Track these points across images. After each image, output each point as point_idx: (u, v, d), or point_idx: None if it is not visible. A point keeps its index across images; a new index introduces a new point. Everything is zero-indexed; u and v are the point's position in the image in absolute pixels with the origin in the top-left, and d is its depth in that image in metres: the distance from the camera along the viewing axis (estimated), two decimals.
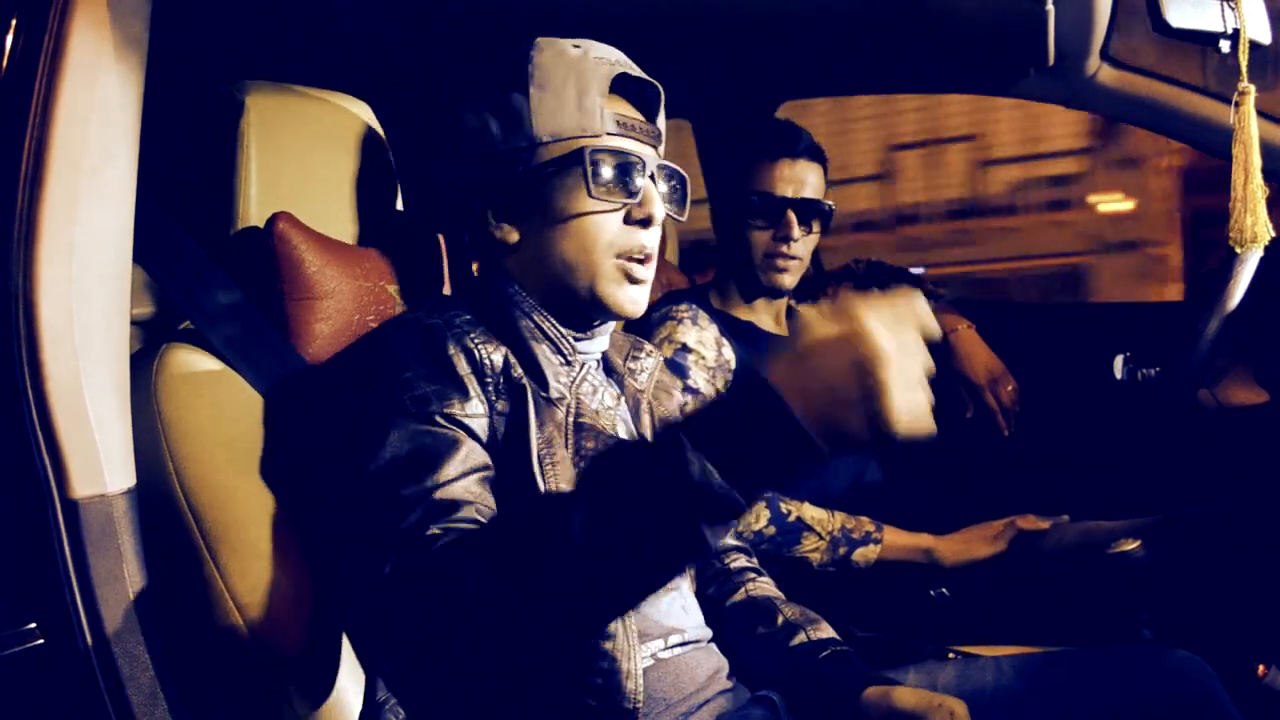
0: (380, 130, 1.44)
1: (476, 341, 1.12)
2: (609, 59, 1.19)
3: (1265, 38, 1.47)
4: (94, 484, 0.96)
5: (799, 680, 1.26)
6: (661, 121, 1.26)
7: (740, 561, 1.42)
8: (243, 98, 1.26)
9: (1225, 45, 1.44)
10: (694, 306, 1.91)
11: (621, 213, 1.19)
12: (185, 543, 1.11)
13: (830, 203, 1.95)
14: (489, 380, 1.12)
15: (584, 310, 1.22)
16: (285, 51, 1.82)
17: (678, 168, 1.27)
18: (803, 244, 1.92)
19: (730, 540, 1.42)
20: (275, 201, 1.26)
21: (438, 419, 1.07)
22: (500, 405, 1.12)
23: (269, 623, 1.11)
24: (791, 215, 1.90)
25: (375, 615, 1.06)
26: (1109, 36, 1.82)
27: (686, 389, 1.79)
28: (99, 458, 0.96)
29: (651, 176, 1.20)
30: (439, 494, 1.02)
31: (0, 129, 0.98)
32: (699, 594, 1.35)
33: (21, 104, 0.97)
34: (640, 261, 1.20)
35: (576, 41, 1.20)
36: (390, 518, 1.01)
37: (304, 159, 1.32)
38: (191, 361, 1.17)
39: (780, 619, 1.33)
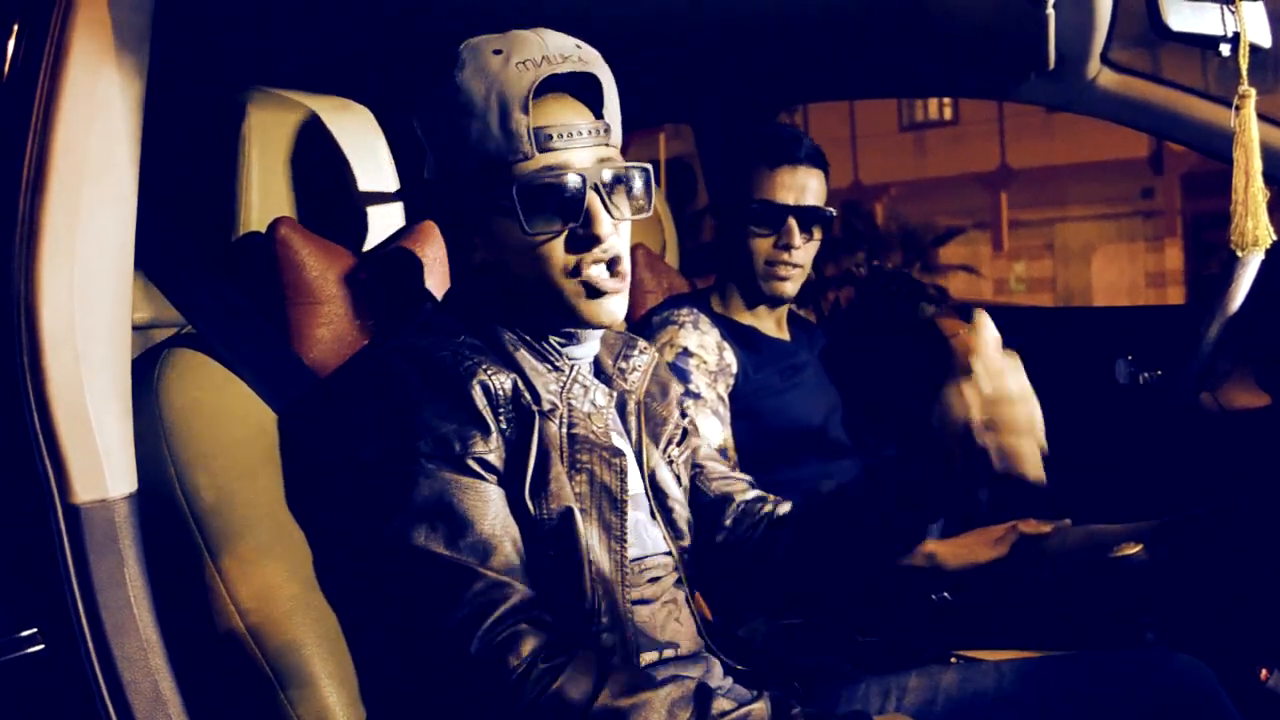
0: (381, 135, 1.44)
1: (490, 373, 1.10)
2: (534, 59, 1.09)
3: (1265, 41, 1.47)
4: (95, 489, 0.96)
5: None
6: (609, 112, 1.16)
7: (749, 493, 1.39)
8: (244, 102, 1.26)
9: (1225, 49, 1.44)
10: (695, 311, 1.91)
11: (565, 235, 1.13)
12: (187, 547, 1.11)
13: (832, 209, 1.95)
14: (501, 411, 1.10)
15: (562, 324, 1.18)
16: (286, 57, 1.82)
17: (632, 164, 1.17)
18: (804, 251, 1.91)
19: (724, 483, 1.40)
20: (276, 206, 1.27)
21: (467, 463, 1.07)
22: (509, 433, 1.11)
23: (270, 628, 1.11)
24: (793, 223, 1.89)
25: (428, 695, 1.09)
26: (1109, 40, 1.82)
27: (688, 393, 1.79)
28: (100, 462, 0.96)
29: (596, 187, 1.12)
30: (489, 569, 1.04)
31: (2, 134, 0.98)
32: (715, 545, 1.34)
33: (23, 109, 0.97)
34: (610, 270, 1.14)
35: (500, 43, 1.11)
36: (433, 580, 1.04)
37: (305, 164, 1.32)
38: (193, 366, 1.17)
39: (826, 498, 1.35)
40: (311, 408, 1.21)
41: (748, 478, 1.44)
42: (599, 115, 1.15)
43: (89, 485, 0.96)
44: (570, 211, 1.11)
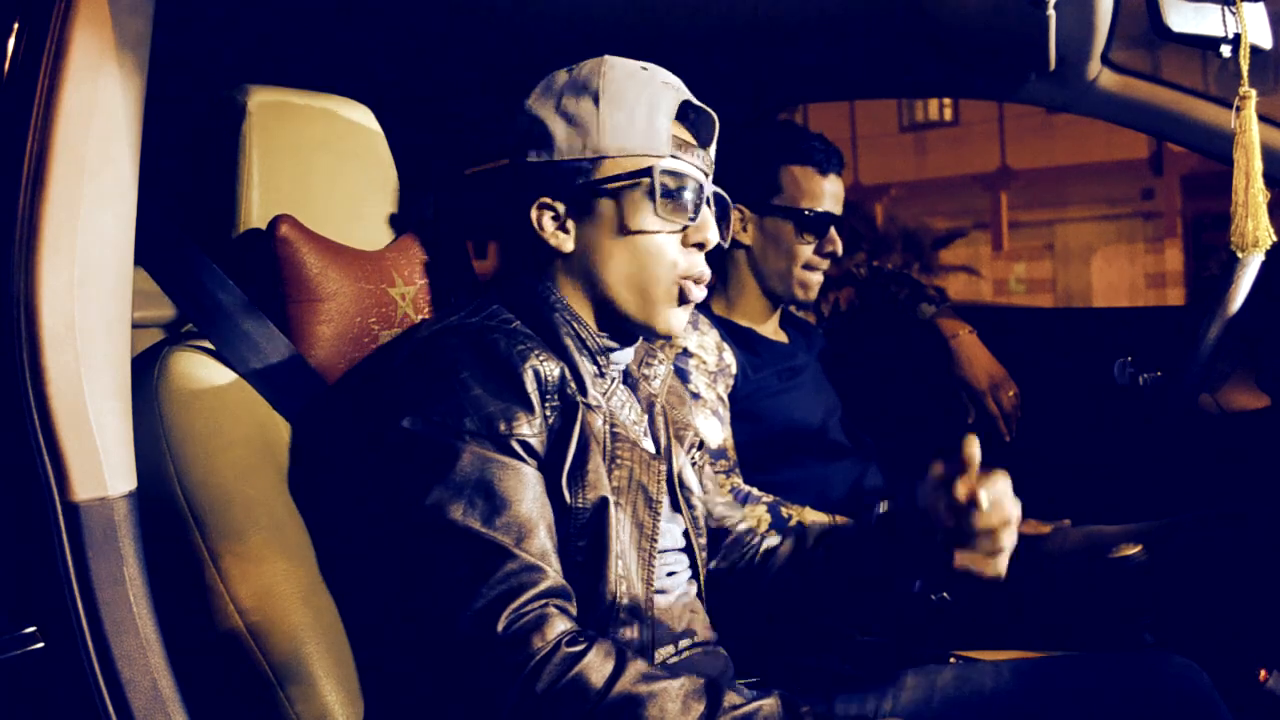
0: (381, 134, 1.44)
1: (541, 359, 1.13)
2: (674, 84, 1.21)
3: (1266, 42, 1.47)
4: (95, 487, 0.96)
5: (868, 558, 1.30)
6: (713, 150, 1.27)
7: (740, 525, 1.45)
8: (244, 101, 1.26)
9: (1226, 50, 1.44)
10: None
11: (679, 235, 1.21)
12: (186, 546, 1.11)
13: None
14: (548, 398, 1.13)
15: (629, 326, 1.23)
16: (287, 55, 1.82)
17: (724, 194, 1.29)
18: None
19: (725, 509, 1.45)
20: (277, 204, 1.27)
21: (511, 444, 1.08)
22: (553, 420, 1.13)
23: (269, 626, 1.11)
24: (833, 231, 1.94)
25: (447, 672, 1.09)
26: (1110, 41, 1.82)
27: (687, 393, 1.79)
28: (100, 460, 0.96)
29: (708, 201, 1.22)
30: (523, 550, 1.05)
31: (2, 132, 0.98)
32: (717, 577, 1.37)
33: (23, 107, 0.97)
34: (696, 282, 1.22)
35: (644, 65, 1.22)
36: (467, 556, 1.04)
37: (306, 162, 1.32)
38: (194, 365, 1.17)
39: (811, 538, 1.38)
40: (354, 382, 1.23)
41: (740, 511, 1.48)
42: (705, 149, 1.26)
43: (88, 483, 0.96)
44: (692, 210, 1.21)
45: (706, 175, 1.25)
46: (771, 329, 2.03)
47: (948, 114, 16.48)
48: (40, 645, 0.96)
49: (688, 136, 1.24)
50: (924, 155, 16.36)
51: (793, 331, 2.08)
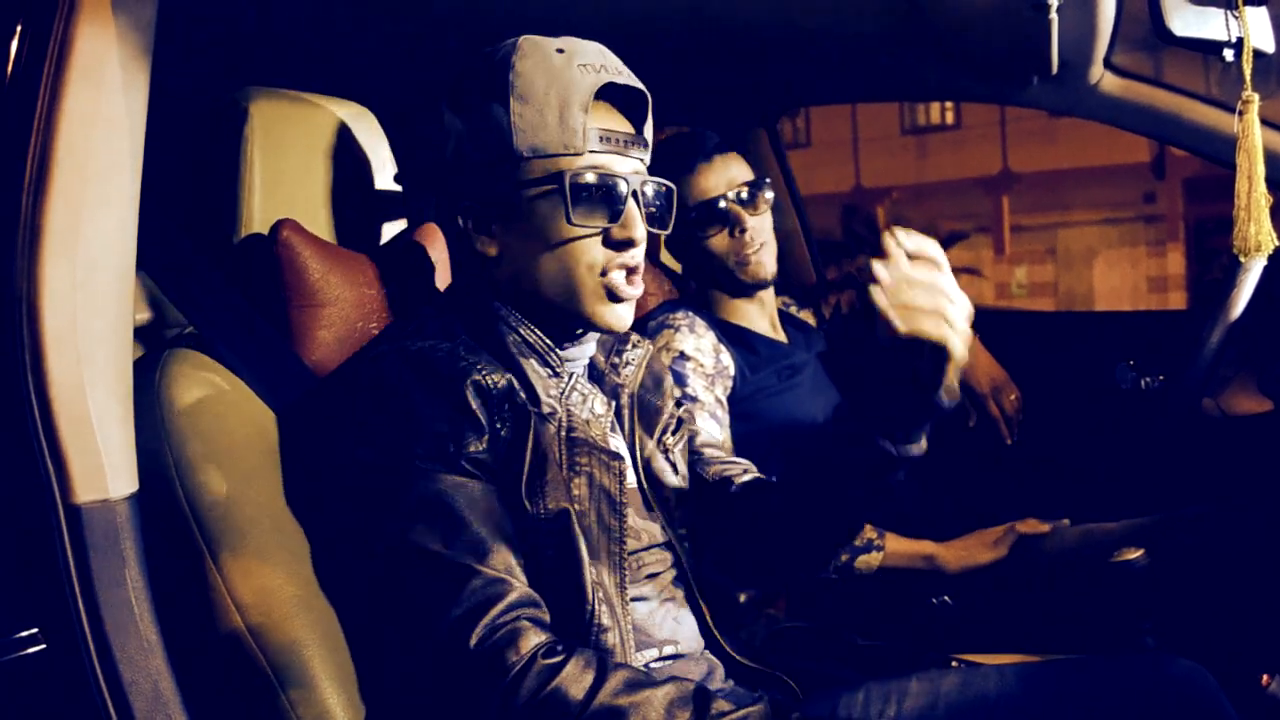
0: (382, 136, 1.44)
1: (485, 373, 1.11)
2: (594, 65, 1.14)
3: (1269, 46, 1.46)
4: (96, 489, 0.96)
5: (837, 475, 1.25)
6: (648, 129, 1.23)
7: (745, 476, 1.38)
8: (246, 104, 1.26)
9: (1229, 54, 1.43)
10: (691, 314, 1.91)
11: (601, 235, 1.16)
12: (188, 548, 1.11)
13: (766, 177, 1.96)
14: (496, 410, 1.11)
15: (569, 324, 1.20)
16: (288, 58, 1.82)
17: (663, 181, 1.23)
18: (758, 226, 1.92)
19: (727, 469, 1.40)
20: (278, 208, 1.27)
21: (462, 464, 1.07)
22: (504, 431, 1.12)
23: (270, 629, 1.11)
24: (734, 210, 1.89)
25: (429, 691, 1.08)
26: (1112, 45, 1.82)
27: (685, 397, 1.78)
28: (102, 463, 0.96)
29: (634, 194, 1.17)
30: (487, 566, 1.04)
31: (5, 135, 0.98)
32: (717, 526, 1.34)
33: (26, 110, 0.97)
34: (626, 278, 1.18)
35: (562, 44, 1.15)
36: (432, 578, 1.04)
37: (307, 165, 1.32)
38: (195, 367, 1.17)
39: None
40: (310, 407, 1.22)
41: (746, 463, 1.43)
42: (638, 131, 1.21)
43: (90, 485, 0.96)
44: (612, 211, 1.15)
45: (642, 161, 1.20)
46: (768, 328, 2.02)
47: (949, 117, 16.48)
48: (42, 647, 0.96)
49: (613, 122, 1.18)
50: (925, 159, 16.35)
51: (793, 331, 2.08)
